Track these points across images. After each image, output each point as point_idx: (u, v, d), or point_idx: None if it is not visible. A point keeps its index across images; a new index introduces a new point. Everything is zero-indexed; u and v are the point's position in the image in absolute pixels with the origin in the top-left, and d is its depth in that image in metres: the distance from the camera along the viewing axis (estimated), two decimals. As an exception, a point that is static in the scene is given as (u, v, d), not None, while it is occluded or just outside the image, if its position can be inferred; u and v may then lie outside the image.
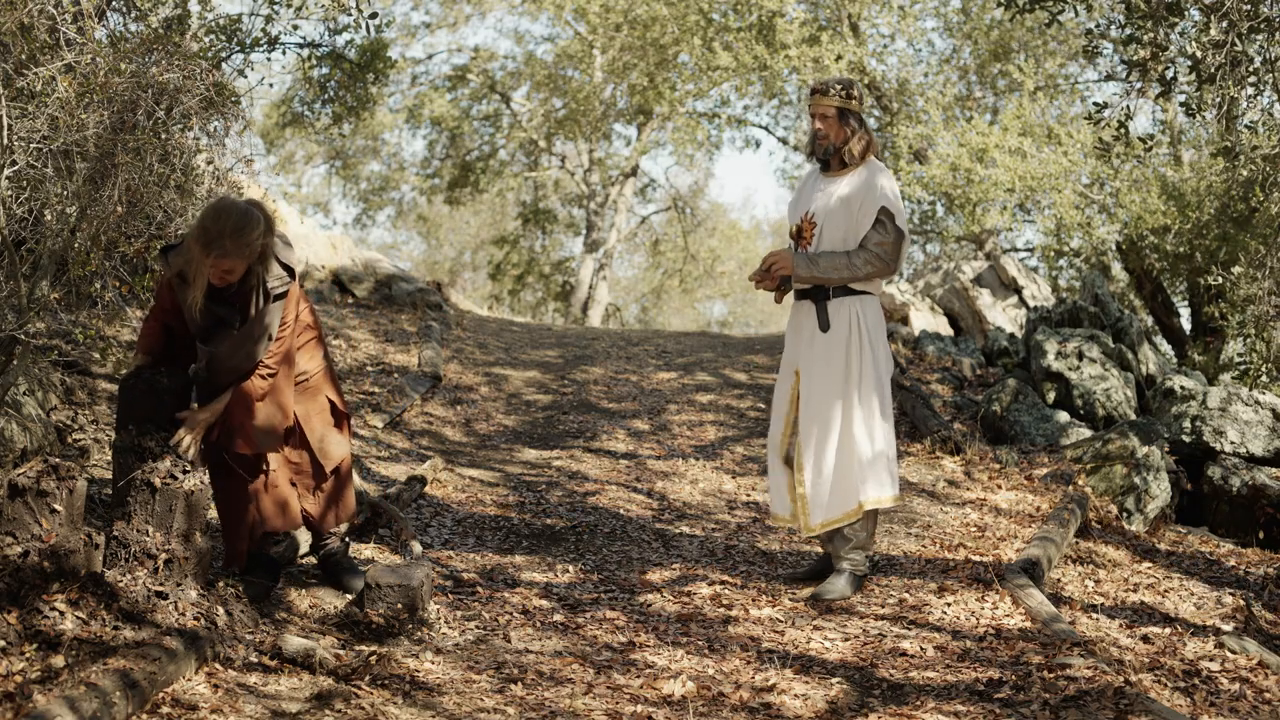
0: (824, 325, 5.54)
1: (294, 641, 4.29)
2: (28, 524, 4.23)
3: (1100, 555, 6.47)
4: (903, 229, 5.50)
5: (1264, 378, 10.20)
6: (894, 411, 8.96)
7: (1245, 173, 9.35)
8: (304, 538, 5.42)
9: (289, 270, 4.78)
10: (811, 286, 5.59)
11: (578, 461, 7.91)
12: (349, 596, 5.09)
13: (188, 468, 4.49)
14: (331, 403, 5.08)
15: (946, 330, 13.35)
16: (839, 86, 5.57)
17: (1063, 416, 8.88)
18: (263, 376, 4.75)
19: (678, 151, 23.00)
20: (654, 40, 17.99)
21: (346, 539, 5.28)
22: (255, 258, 4.61)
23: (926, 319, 13.28)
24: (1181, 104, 7.69)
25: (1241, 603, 5.82)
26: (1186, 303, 14.08)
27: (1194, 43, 6.47)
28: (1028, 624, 5.19)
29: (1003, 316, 13.52)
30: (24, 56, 5.13)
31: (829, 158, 5.62)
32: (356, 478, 6.41)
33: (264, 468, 4.90)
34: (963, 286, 13.62)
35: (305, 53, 8.93)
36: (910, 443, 8.32)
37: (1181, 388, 9.06)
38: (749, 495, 7.38)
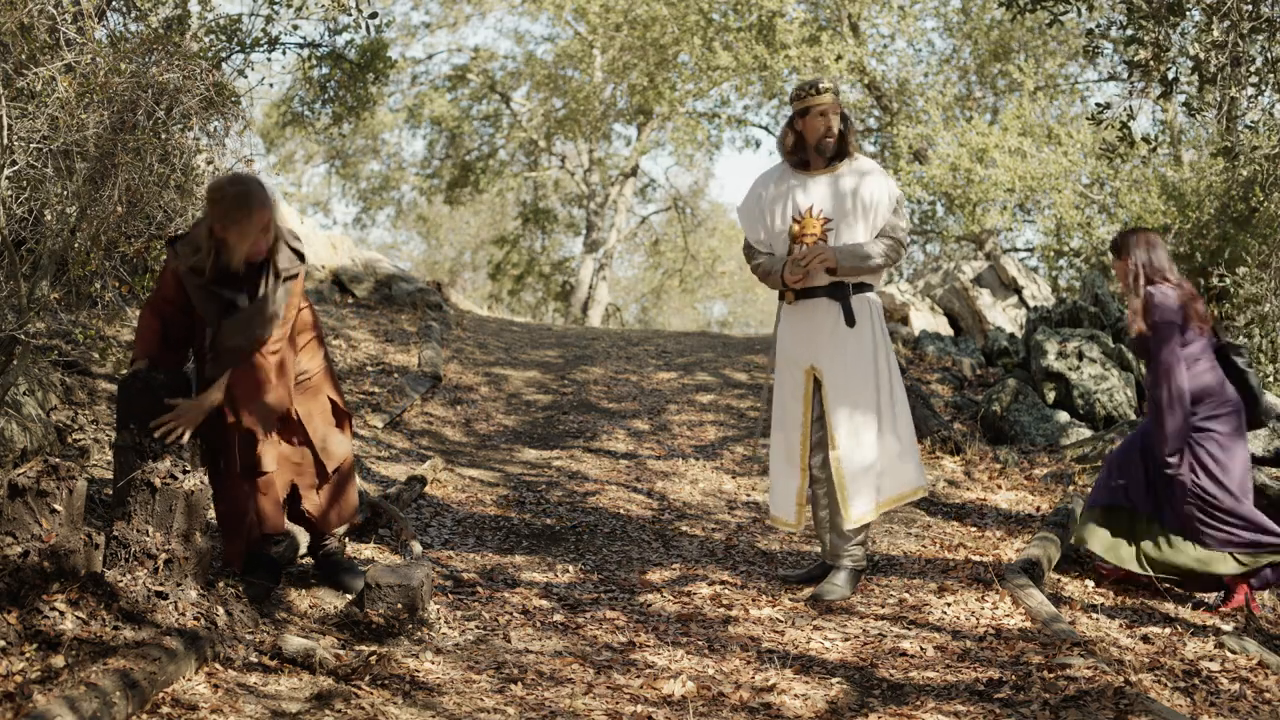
0: (851, 321, 5.55)
1: (294, 641, 4.29)
2: (28, 524, 4.23)
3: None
4: (905, 215, 5.71)
5: (1266, 378, 10.18)
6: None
7: (1245, 173, 9.35)
8: (304, 538, 5.42)
9: (299, 255, 4.81)
10: (829, 283, 5.59)
11: (578, 461, 7.91)
12: (349, 596, 5.09)
13: (188, 468, 4.49)
14: (333, 402, 5.09)
15: (946, 330, 13.35)
16: (833, 85, 5.67)
17: (1063, 416, 8.88)
18: (266, 355, 4.74)
19: (678, 151, 23.02)
20: (654, 40, 17.99)
21: (344, 539, 5.28)
22: (272, 231, 4.66)
23: (926, 319, 13.28)
24: (1182, 104, 7.69)
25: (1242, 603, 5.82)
26: (1186, 303, 14.05)
27: (1195, 43, 6.47)
28: (1028, 624, 5.19)
29: (1003, 316, 13.52)
30: (24, 56, 5.13)
31: (833, 155, 5.66)
32: (356, 478, 6.41)
33: (261, 470, 4.90)
34: (963, 286, 13.63)
35: (305, 53, 8.93)
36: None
37: (1181, 388, 9.04)
38: (749, 495, 7.38)
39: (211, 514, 5.15)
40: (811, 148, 5.64)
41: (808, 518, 5.82)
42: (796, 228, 5.59)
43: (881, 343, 5.63)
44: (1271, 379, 10.23)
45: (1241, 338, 10.86)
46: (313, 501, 5.04)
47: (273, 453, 4.92)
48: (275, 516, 4.93)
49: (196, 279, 4.67)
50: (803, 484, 5.67)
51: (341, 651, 4.47)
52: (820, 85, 5.63)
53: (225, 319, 4.69)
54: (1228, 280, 10.55)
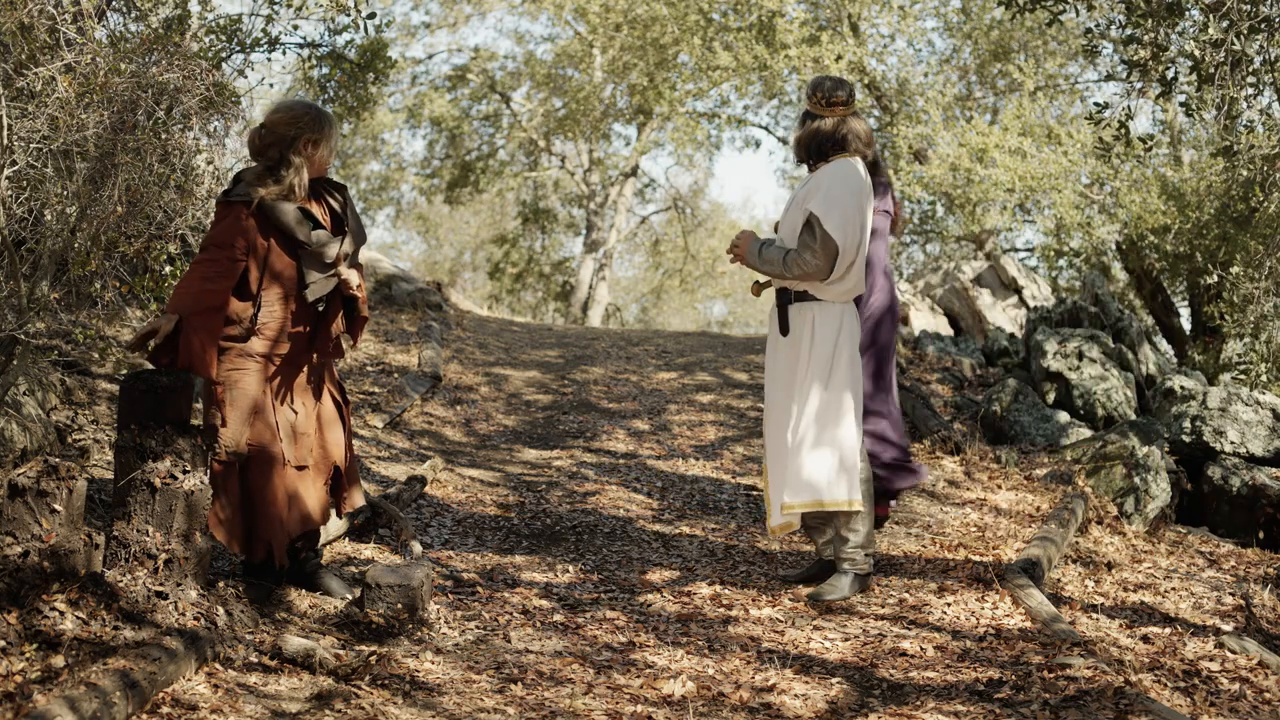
0: (784, 329, 5.57)
1: (294, 641, 4.29)
2: (28, 524, 4.23)
3: (1100, 555, 6.47)
4: (830, 234, 5.34)
5: (1263, 377, 10.19)
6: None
7: (1245, 173, 9.35)
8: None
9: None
10: (778, 290, 5.62)
11: (578, 462, 7.91)
12: (347, 597, 5.09)
13: (188, 468, 4.49)
14: (335, 398, 5.11)
15: (946, 330, 13.35)
16: (807, 88, 5.67)
17: (1063, 416, 8.88)
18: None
19: (678, 151, 22.99)
20: (654, 40, 17.99)
21: (320, 549, 5.27)
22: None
23: (926, 319, 13.29)
24: (1181, 104, 7.68)
25: (1241, 603, 5.82)
26: (1186, 303, 14.07)
27: (1193, 42, 6.47)
28: (1028, 624, 5.19)
29: (1003, 316, 13.53)
30: (24, 56, 5.13)
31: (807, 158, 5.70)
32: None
33: (302, 464, 4.91)
34: (963, 286, 13.63)
35: (305, 53, 8.93)
36: (910, 443, 8.32)
37: (1181, 388, 9.06)
38: (749, 495, 7.38)
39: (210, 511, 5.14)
40: (797, 149, 5.75)
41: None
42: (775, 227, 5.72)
43: (820, 355, 5.45)
44: (1265, 379, 10.23)
45: (1239, 340, 10.86)
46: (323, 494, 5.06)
47: (321, 442, 4.96)
48: (324, 508, 4.97)
49: (288, 204, 4.81)
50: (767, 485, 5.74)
51: (341, 651, 4.47)
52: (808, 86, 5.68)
53: (318, 231, 4.89)
54: (1224, 279, 10.56)
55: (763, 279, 5.69)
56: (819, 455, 5.44)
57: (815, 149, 5.56)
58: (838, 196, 5.39)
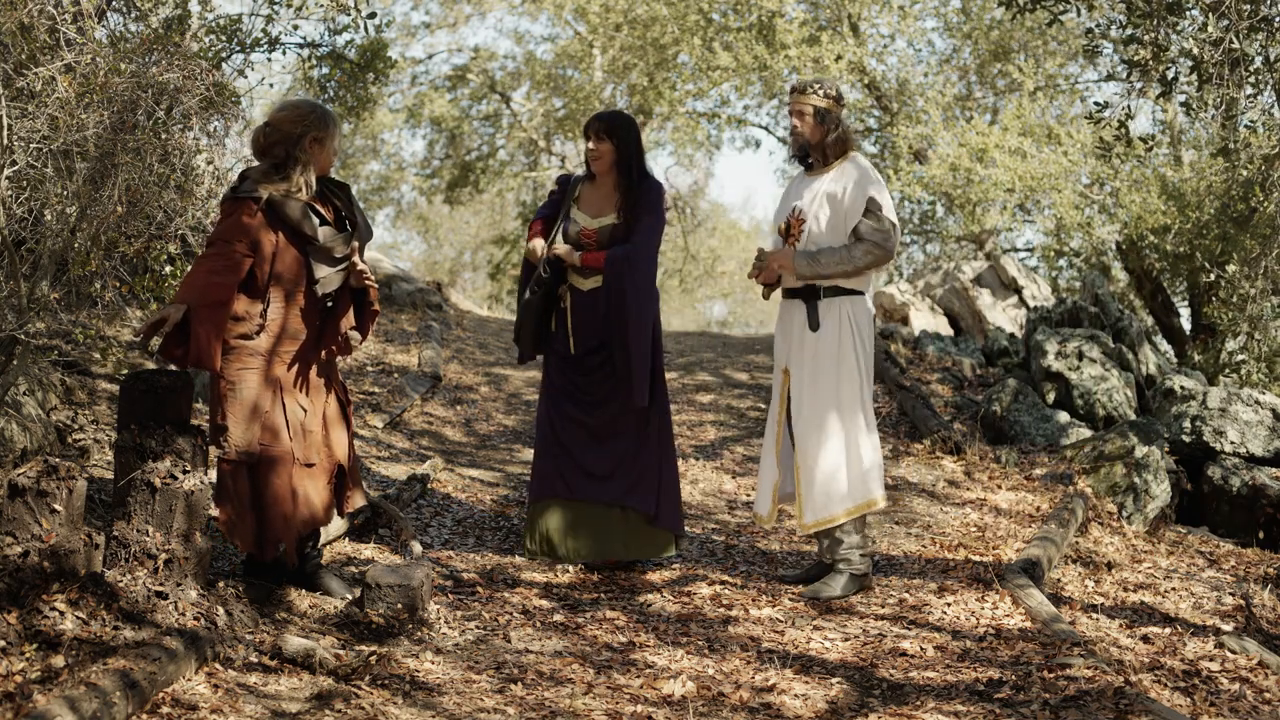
0: (814, 324, 5.57)
1: (294, 641, 4.29)
2: (28, 524, 4.23)
3: (1100, 555, 6.47)
4: (893, 219, 5.53)
5: (1254, 376, 10.20)
6: (895, 411, 8.94)
7: (1245, 172, 9.35)
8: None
9: None
10: (803, 285, 5.60)
11: (578, 461, 7.90)
12: (347, 597, 5.09)
13: (188, 468, 4.49)
14: (340, 397, 5.12)
15: (946, 330, 13.35)
16: (817, 86, 5.62)
17: (1063, 416, 8.88)
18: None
19: (678, 151, 23.00)
20: (654, 40, 17.98)
21: (321, 548, 5.27)
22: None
23: (926, 319, 13.28)
24: (1181, 104, 7.68)
25: (1241, 603, 5.82)
26: (1186, 303, 14.08)
27: (1193, 41, 6.47)
28: (1028, 624, 5.19)
29: (1003, 316, 13.53)
30: (24, 56, 5.13)
31: (803, 156, 5.68)
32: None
33: (310, 462, 4.91)
34: (963, 286, 13.63)
35: (305, 53, 8.93)
36: (910, 443, 8.32)
37: (1181, 388, 9.06)
38: (749, 495, 7.38)
39: (213, 511, 5.14)
40: (813, 147, 5.69)
41: (782, 514, 5.86)
42: (785, 227, 5.66)
43: (851, 347, 5.55)
44: (1264, 379, 10.23)
45: (1234, 338, 10.85)
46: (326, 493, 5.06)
47: (326, 440, 4.97)
48: (328, 507, 4.97)
49: (294, 201, 4.83)
50: (778, 480, 5.71)
51: (341, 651, 4.47)
52: (795, 83, 5.68)
53: (326, 228, 4.91)
54: (1220, 279, 10.56)
55: (770, 283, 5.69)
56: (870, 450, 5.58)
57: (838, 145, 5.65)
58: (880, 185, 5.56)
